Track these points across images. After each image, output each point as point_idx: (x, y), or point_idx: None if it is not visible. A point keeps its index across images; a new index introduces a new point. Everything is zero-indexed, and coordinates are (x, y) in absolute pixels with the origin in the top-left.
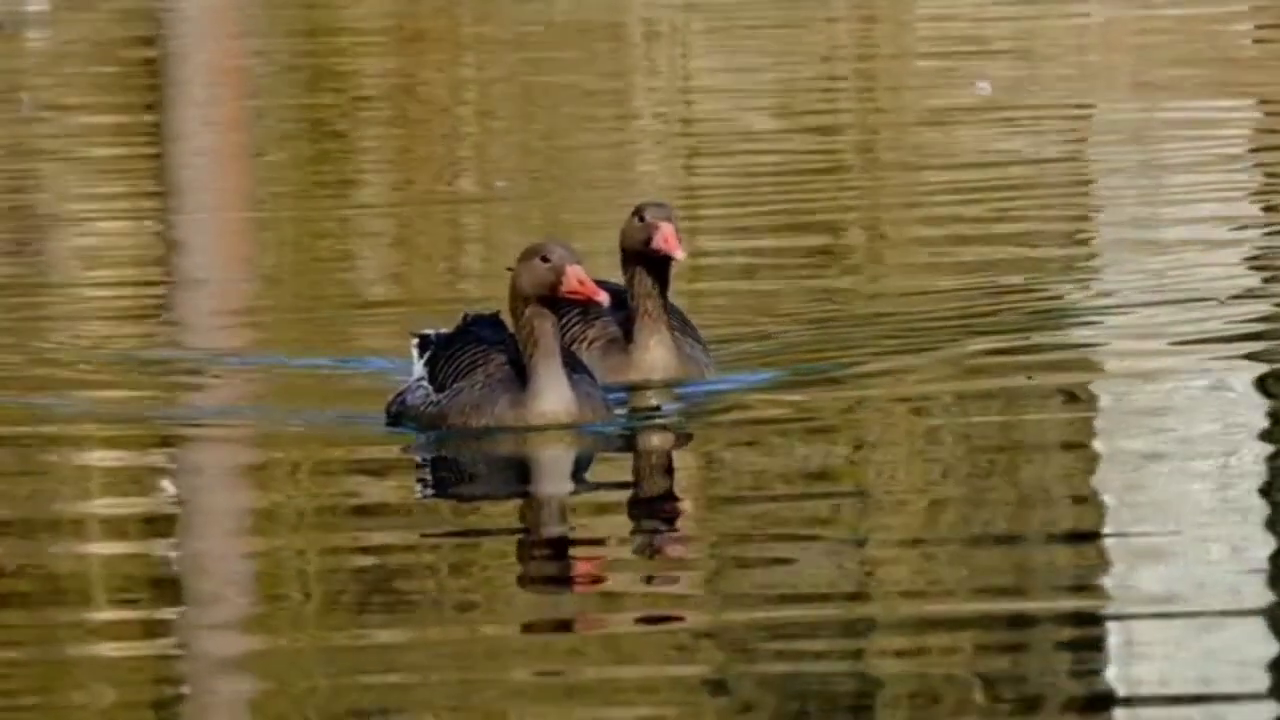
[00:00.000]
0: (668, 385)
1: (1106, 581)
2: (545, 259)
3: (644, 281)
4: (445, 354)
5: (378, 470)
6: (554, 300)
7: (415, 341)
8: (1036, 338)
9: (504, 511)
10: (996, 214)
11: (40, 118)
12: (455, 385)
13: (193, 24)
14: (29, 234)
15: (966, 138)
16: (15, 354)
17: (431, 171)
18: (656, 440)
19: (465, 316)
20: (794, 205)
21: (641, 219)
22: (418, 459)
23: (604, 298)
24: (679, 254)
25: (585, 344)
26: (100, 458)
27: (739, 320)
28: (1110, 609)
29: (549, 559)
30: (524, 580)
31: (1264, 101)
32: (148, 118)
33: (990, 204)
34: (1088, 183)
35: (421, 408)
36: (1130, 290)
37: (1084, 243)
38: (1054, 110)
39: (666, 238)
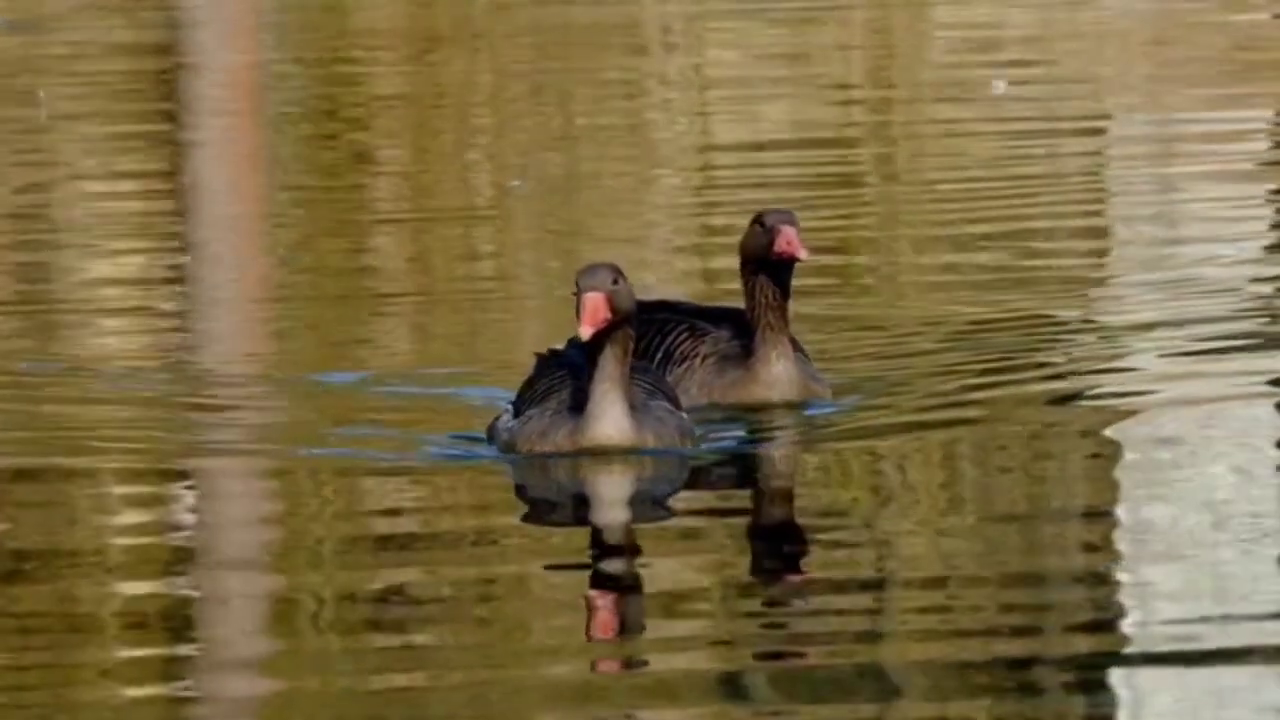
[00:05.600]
0: (788, 405)
1: (1122, 622)
2: (762, 224)
3: (766, 291)
4: (533, 379)
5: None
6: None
7: (535, 360)
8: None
9: (548, 540)
10: (1012, 224)
11: (56, 120)
12: (528, 412)
13: (203, 29)
14: (44, 243)
15: (982, 144)
16: (35, 376)
17: (446, 172)
18: (727, 469)
19: (573, 339)
20: (812, 213)
21: (762, 225)
22: (488, 485)
23: (805, 254)
24: (803, 255)
25: (698, 360)
26: (121, 488)
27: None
28: (1125, 651)
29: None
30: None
31: None
32: (157, 127)
33: (1007, 217)
34: (1106, 194)
35: (502, 434)
36: (1152, 311)
37: (1104, 265)
38: (1068, 112)
39: (789, 240)
